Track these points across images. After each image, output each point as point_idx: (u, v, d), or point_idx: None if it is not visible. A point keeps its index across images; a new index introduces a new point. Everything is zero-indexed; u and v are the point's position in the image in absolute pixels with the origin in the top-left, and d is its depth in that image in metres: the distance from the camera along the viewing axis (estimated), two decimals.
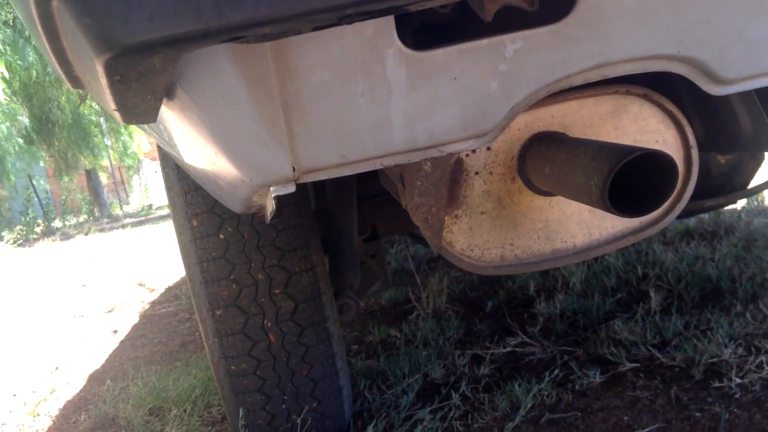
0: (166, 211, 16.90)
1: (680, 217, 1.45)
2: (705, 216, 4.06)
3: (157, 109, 0.88)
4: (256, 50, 0.93)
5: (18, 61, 11.95)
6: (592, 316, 2.82)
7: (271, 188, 1.08)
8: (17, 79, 12.65)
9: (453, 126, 1.06)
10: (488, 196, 1.33)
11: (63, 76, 0.94)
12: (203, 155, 1.12)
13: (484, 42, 1.01)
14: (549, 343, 2.64)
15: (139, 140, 18.51)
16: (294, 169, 1.05)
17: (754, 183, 2.72)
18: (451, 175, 1.30)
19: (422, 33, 1.46)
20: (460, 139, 1.08)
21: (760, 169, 2.77)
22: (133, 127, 14.53)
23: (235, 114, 0.98)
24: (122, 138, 17.95)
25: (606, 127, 1.30)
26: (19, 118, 13.17)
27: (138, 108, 0.87)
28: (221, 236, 1.86)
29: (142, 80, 0.78)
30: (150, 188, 25.32)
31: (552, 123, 1.29)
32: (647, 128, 1.31)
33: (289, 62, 0.96)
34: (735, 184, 2.58)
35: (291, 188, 1.08)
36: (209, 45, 0.75)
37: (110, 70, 0.74)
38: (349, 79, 0.99)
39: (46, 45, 0.82)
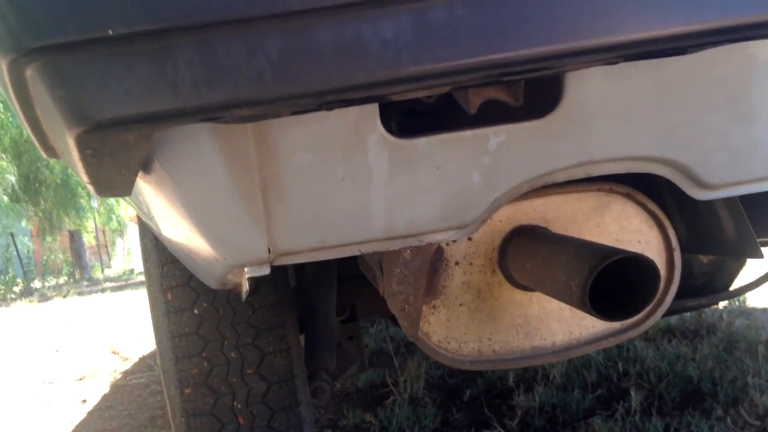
0: None
1: (662, 315, 1.44)
2: (686, 314, 4.03)
3: (132, 183, 0.86)
4: (237, 128, 0.91)
5: (9, 119, 12.00)
6: (572, 411, 2.76)
7: (246, 269, 1.06)
8: (8, 136, 12.68)
9: (434, 216, 1.04)
10: (467, 288, 1.31)
11: (38, 145, 0.92)
12: (179, 230, 1.10)
13: (467, 133, 1.00)
14: None
15: (125, 205, 18.49)
16: (269, 251, 1.03)
17: (736, 284, 2.71)
18: (430, 264, 1.27)
19: (407, 116, 1.46)
20: (440, 230, 1.06)
21: (742, 270, 2.76)
22: None
23: (212, 191, 0.96)
24: (108, 201, 17.92)
25: (588, 224, 1.29)
26: (7, 176, 13.15)
27: (111, 182, 0.85)
28: (195, 311, 1.81)
29: (116, 155, 0.76)
30: (133, 252, 25.16)
31: (534, 217, 1.28)
32: (630, 228, 1.30)
33: (269, 142, 0.95)
34: (717, 284, 2.56)
35: (266, 270, 1.05)
36: (185, 123, 0.74)
37: (82, 144, 0.72)
38: (330, 162, 0.98)
39: (20, 113, 0.80)
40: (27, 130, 0.89)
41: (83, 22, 0.67)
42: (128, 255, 25.35)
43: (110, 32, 0.67)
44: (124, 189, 0.87)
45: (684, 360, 3.17)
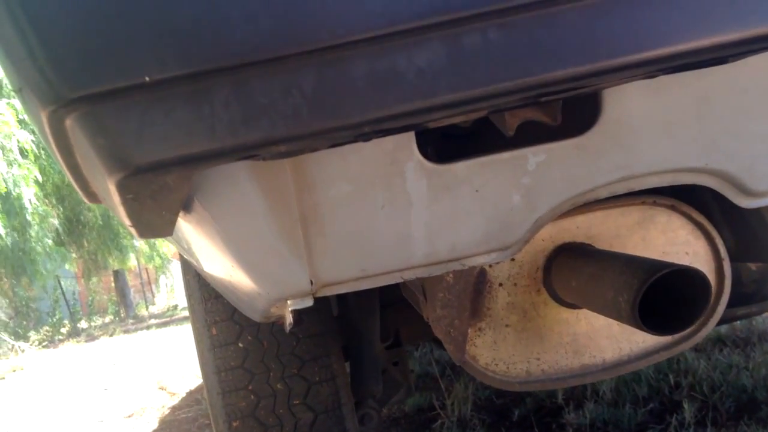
0: None
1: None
2: (737, 323, 3.94)
3: (173, 223, 0.87)
4: (274, 163, 0.92)
5: (52, 165, 12.25)
6: (624, 427, 2.70)
7: (289, 301, 1.06)
8: (50, 182, 12.93)
9: (475, 239, 1.03)
10: (513, 309, 1.29)
11: (79, 191, 0.93)
12: (221, 266, 1.10)
13: (506, 155, 0.99)
14: None
15: (167, 242, 18.66)
16: (312, 283, 1.02)
17: None
18: (474, 287, 1.26)
19: (444, 140, 1.45)
20: (482, 252, 1.05)
21: None
22: None
23: (253, 227, 0.97)
24: (151, 240, 18.12)
25: (633, 238, 1.27)
26: (51, 219, 13.40)
27: (153, 224, 0.85)
28: (240, 345, 1.82)
29: (156, 198, 0.77)
30: (176, 288, 25.38)
31: (577, 234, 1.26)
32: (676, 240, 1.27)
33: (307, 175, 0.95)
34: (767, 292, 2.51)
35: (309, 302, 1.05)
36: (224, 163, 0.74)
37: (123, 189, 0.73)
38: (369, 192, 0.97)
39: (61, 161, 0.81)
40: (68, 177, 0.90)
41: (119, 70, 0.68)
42: (171, 291, 25.59)
43: (147, 78, 0.67)
44: (166, 230, 0.88)
45: (737, 369, 3.09)
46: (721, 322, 2.85)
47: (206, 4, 0.68)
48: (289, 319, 1.14)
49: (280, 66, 0.70)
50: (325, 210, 0.97)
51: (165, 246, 19.07)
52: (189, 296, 1.94)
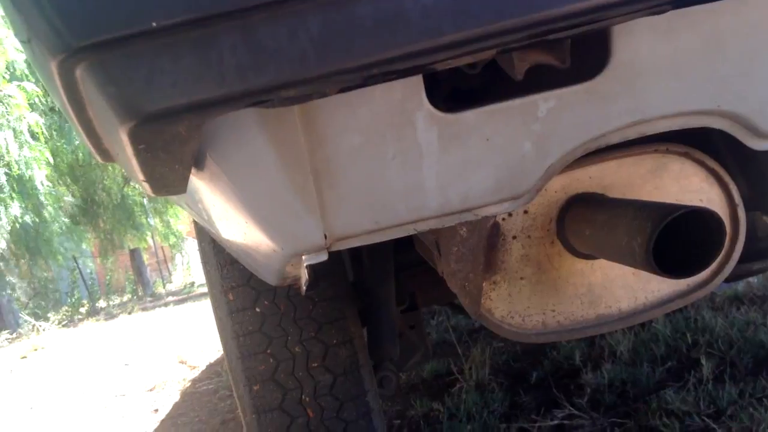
0: None
1: (728, 280, 1.39)
2: (753, 280, 3.93)
3: (186, 178, 0.87)
4: (285, 116, 0.92)
5: (64, 145, 12.30)
6: (642, 386, 2.71)
7: (304, 257, 1.06)
8: (64, 162, 13.01)
9: (487, 188, 1.03)
10: (527, 261, 1.29)
11: (92, 150, 0.94)
12: (235, 226, 1.11)
13: (515, 102, 0.99)
14: (598, 415, 2.54)
15: (182, 219, 18.78)
16: (326, 237, 1.03)
17: None
18: (488, 240, 1.26)
19: (454, 100, 1.45)
20: (494, 202, 1.05)
21: None
22: (175, 207, 14.77)
23: (265, 182, 0.97)
24: (165, 218, 18.21)
25: (646, 187, 1.26)
26: (66, 198, 13.50)
27: (166, 178, 0.86)
28: (257, 310, 1.83)
29: (169, 149, 0.77)
30: (192, 266, 25.55)
31: (590, 184, 1.26)
32: (690, 187, 1.27)
33: (317, 128, 0.95)
34: None
35: (323, 256, 1.05)
36: (233, 110, 0.74)
37: (135, 138, 0.73)
38: (379, 143, 0.97)
39: (74, 117, 0.82)
40: (82, 136, 0.91)
41: (127, 17, 0.68)
42: (188, 269, 25.75)
43: (154, 24, 0.68)
44: (179, 186, 0.88)
45: (754, 326, 3.09)
46: (737, 278, 2.85)
47: None
48: (304, 277, 1.14)
49: (286, 8, 0.69)
50: (336, 162, 0.97)
51: (180, 224, 19.18)
52: (205, 263, 1.95)
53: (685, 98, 1.01)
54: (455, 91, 1.33)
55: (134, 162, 0.80)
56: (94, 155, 0.97)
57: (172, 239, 19.93)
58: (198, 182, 1.03)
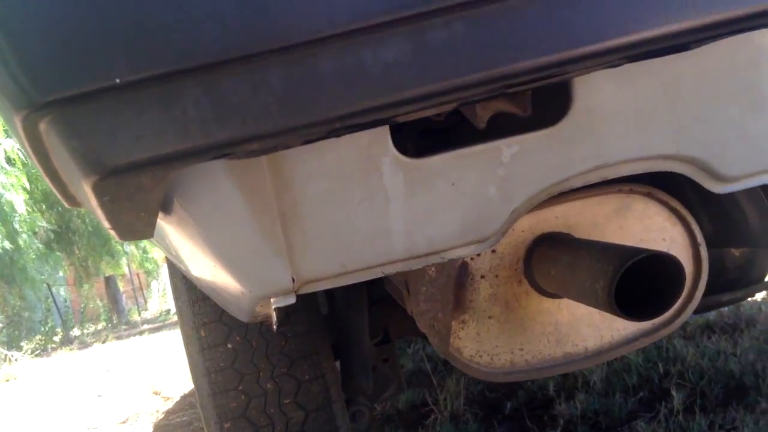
0: None
1: (697, 312, 1.41)
2: (724, 309, 3.97)
3: (153, 225, 0.87)
4: (252, 162, 0.92)
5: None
6: (614, 416, 2.72)
7: (272, 299, 1.07)
8: (38, 189, 12.88)
9: (453, 232, 1.04)
10: (495, 300, 1.31)
11: (59, 195, 0.94)
12: (204, 267, 1.11)
13: (480, 148, 1.00)
14: None
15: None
16: (293, 280, 1.03)
17: None
18: (456, 280, 1.27)
19: (423, 136, 1.47)
20: (461, 245, 1.06)
21: None
22: None
23: (232, 226, 0.98)
24: (141, 244, 18.05)
25: (611, 226, 1.28)
26: (41, 224, 13.34)
27: (132, 225, 0.86)
28: (229, 346, 1.83)
29: (133, 199, 0.78)
30: (168, 293, 25.28)
31: (556, 224, 1.28)
32: (653, 226, 1.29)
33: (284, 173, 0.95)
34: (752, 277, 2.52)
35: (291, 299, 1.06)
36: (197, 163, 0.75)
37: (99, 191, 0.74)
38: (346, 188, 0.98)
39: (39, 166, 0.82)
40: (48, 183, 0.91)
41: (90, 72, 0.69)
42: (163, 296, 25.48)
43: (117, 80, 0.68)
44: (146, 232, 0.88)
45: (725, 355, 3.12)
46: (707, 309, 2.88)
47: (173, 6, 0.69)
48: (274, 317, 1.14)
49: (249, 64, 0.71)
50: (304, 207, 0.98)
51: (156, 251, 19.01)
52: (177, 299, 1.94)
53: (646, 144, 1.03)
54: (425, 130, 1.35)
55: (99, 211, 0.81)
56: (62, 200, 0.97)
57: (148, 266, 19.74)
58: (166, 225, 1.03)
